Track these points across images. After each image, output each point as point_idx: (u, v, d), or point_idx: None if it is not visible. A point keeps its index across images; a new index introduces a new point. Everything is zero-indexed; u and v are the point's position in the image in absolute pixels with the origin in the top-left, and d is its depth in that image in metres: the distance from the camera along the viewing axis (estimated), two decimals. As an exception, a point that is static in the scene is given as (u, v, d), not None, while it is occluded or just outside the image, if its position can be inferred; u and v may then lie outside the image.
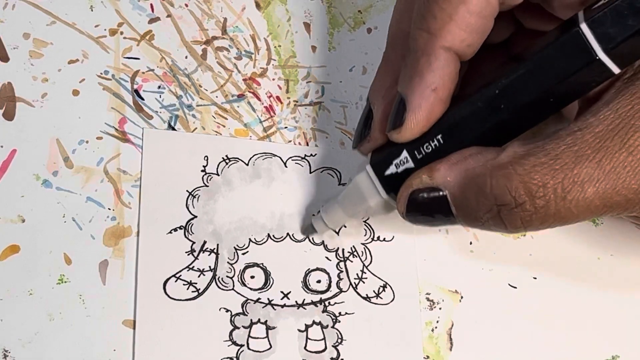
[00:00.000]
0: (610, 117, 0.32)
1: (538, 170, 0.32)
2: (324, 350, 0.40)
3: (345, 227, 0.42)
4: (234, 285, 0.40)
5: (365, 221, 0.43)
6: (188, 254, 0.40)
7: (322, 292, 0.41)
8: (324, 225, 0.41)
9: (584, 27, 0.31)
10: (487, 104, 0.34)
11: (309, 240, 0.42)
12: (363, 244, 0.42)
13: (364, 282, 0.41)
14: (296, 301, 0.40)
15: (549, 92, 0.32)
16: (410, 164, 0.36)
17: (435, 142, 0.35)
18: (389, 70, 0.38)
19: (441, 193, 0.34)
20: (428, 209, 0.35)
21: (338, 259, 0.42)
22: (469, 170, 0.33)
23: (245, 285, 0.40)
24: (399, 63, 0.37)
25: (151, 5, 0.44)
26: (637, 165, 0.31)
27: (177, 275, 0.39)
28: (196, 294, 0.39)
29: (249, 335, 0.39)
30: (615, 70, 0.31)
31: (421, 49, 0.34)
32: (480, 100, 0.34)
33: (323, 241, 0.42)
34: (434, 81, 0.34)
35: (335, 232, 0.42)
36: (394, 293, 0.42)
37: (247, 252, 0.41)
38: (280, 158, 0.43)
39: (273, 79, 0.45)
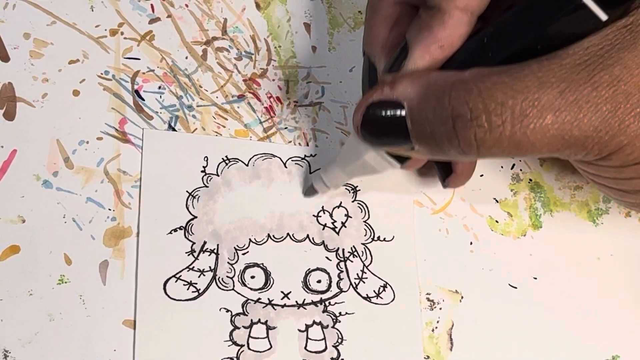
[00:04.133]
0: (580, 53, 0.31)
1: (499, 88, 0.31)
2: (324, 350, 0.40)
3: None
4: (234, 286, 0.40)
5: (365, 221, 0.43)
6: (188, 254, 0.40)
7: (323, 292, 0.41)
8: (324, 185, 0.41)
9: None
10: (476, 51, 0.33)
11: (310, 240, 0.42)
12: (363, 243, 0.42)
13: (364, 282, 0.42)
14: (296, 301, 0.40)
15: (536, 38, 0.32)
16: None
17: None
18: (380, 19, 0.37)
19: (399, 112, 0.33)
20: (384, 124, 0.34)
21: (338, 258, 0.42)
22: (430, 83, 0.33)
23: (245, 285, 0.40)
24: (388, 10, 0.37)
25: (151, 6, 0.44)
26: (600, 102, 0.31)
27: (177, 276, 0.39)
28: (196, 294, 0.39)
29: (249, 335, 0.39)
30: (602, 15, 0.30)
31: (437, 6, 0.33)
32: (470, 48, 0.34)
33: (323, 241, 0.42)
34: (442, 39, 0.33)
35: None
36: (394, 293, 0.42)
37: (247, 252, 0.41)
38: (280, 158, 0.43)
39: (273, 80, 0.45)
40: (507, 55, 0.32)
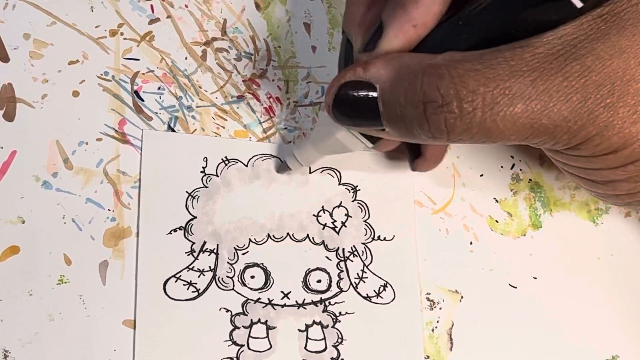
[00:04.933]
0: (553, 42, 0.31)
1: (471, 75, 0.31)
2: (324, 350, 0.40)
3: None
4: (234, 285, 0.40)
5: (365, 221, 0.43)
6: (188, 255, 0.40)
7: (323, 292, 0.41)
8: (297, 162, 0.41)
9: None
10: (450, 34, 0.33)
11: (310, 240, 0.42)
12: (363, 243, 0.42)
13: (364, 282, 0.41)
14: (296, 301, 0.40)
15: (511, 24, 0.31)
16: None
17: None
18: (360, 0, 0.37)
19: (371, 93, 0.33)
20: (356, 105, 0.34)
21: (338, 258, 0.42)
22: (403, 66, 0.33)
23: (245, 285, 0.40)
24: None
25: (151, 6, 0.44)
26: (570, 92, 0.31)
27: (177, 276, 0.39)
28: (196, 294, 0.39)
29: (249, 335, 0.39)
30: (577, 3, 0.30)
31: None
32: (445, 31, 0.33)
33: (323, 241, 0.42)
34: (416, 17, 0.33)
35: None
36: (394, 292, 0.42)
37: (247, 252, 0.41)
38: (280, 159, 0.43)
39: (273, 80, 0.45)
40: (481, 39, 0.32)
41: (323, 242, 0.42)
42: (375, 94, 0.33)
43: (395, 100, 0.33)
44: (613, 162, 0.33)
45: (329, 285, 0.41)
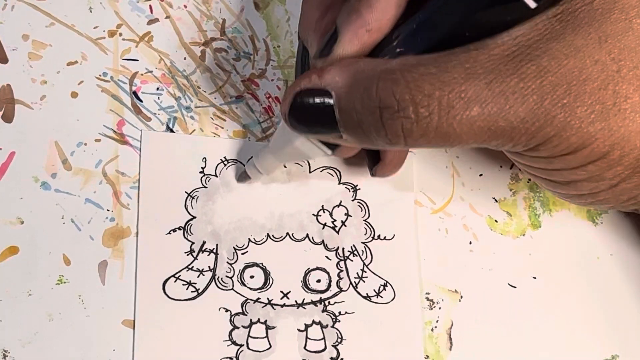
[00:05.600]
0: (509, 43, 0.31)
1: (426, 79, 0.30)
2: (323, 350, 0.40)
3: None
4: (233, 285, 0.40)
5: (365, 220, 0.43)
6: (187, 254, 0.40)
7: (322, 292, 0.41)
8: (256, 171, 0.40)
9: None
10: (405, 38, 0.33)
11: (309, 239, 0.41)
12: (363, 242, 0.42)
13: (364, 281, 0.41)
14: (296, 301, 0.40)
15: (464, 26, 0.31)
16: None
17: None
18: (313, 3, 0.37)
19: (327, 100, 0.33)
20: (312, 112, 0.34)
21: (338, 258, 0.42)
22: (358, 72, 0.32)
23: (244, 285, 0.40)
24: None
25: (150, 7, 0.44)
26: (527, 93, 0.30)
27: (177, 276, 0.39)
28: (196, 294, 0.39)
29: (248, 335, 0.39)
30: (531, 3, 0.30)
31: None
32: (400, 34, 0.33)
33: (323, 240, 0.42)
34: (370, 22, 0.33)
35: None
36: (394, 292, 0.41)
37: (247, 252, 0.41)
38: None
39: (272, 80, 0.45)
40: (436, 42, 0.32)
41: (323, 241, 0.42)
42: (331, 101, 0.33)
43: (352, 107, 0.32)
44: (573, 162, 0.32)
45: (329, 285, 0.41)
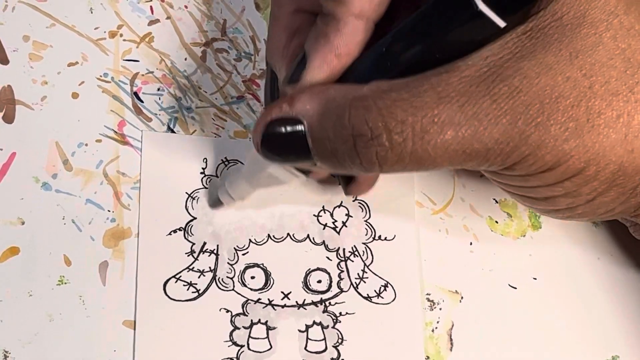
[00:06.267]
0: (479, 64, 0.30)
1: (398, 105, 0.30)
2: (324, 351, 0.40)
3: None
4: (234, 286, 0.40)
5: (366, 220, 0.43)
6: (188, 255, 0.40)
7: (323, 292, 0.41)
8: (229, 197, 0.40)
9: None
10: (375, 61, 0.32)
11: (310, 240, 0.41)
12: (364, 243, 0.42)
13: (364, 282, 0.41)
14: (296, 301, 0.40)
15: (434, 47, 0.31)
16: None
17: None
18: (280, 28, 0.36)
19: (299, 127, 0.32)
20: (284, 142, 0.33)
21: (339, 258, 0.42)
22: (329, 100, 0.32)
23: (245, 285, 0.40)
24: (287, 19, 0.36)
25: (151, 8, 0.45)
26: (500, 114, 0.30)
27: (177, 276, 0.39)
28: (196, 294, 0.39)
29: (249, 336, 0.39)
30: (499, 22, 0.29)
31: (332, 13, 0.32)
32: (369, 58, 0.33)
33: (324, 241, 0.42)
34: (339, 46, 0.32)
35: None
36: (395, 292, 0.41)
37: (247, 252, 0.41)
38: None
39: (272, 81, 0.45)
40: (407, 66, 0.31)
41: (323, 242, 0.42)
42: (303, 129, 0.32)
43: (324, 135, 0.32)
44: (549, 179, 0.32)
45: (330, 286, 0.41)
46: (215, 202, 0.41)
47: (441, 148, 0.30)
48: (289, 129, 0.33)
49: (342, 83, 0.33)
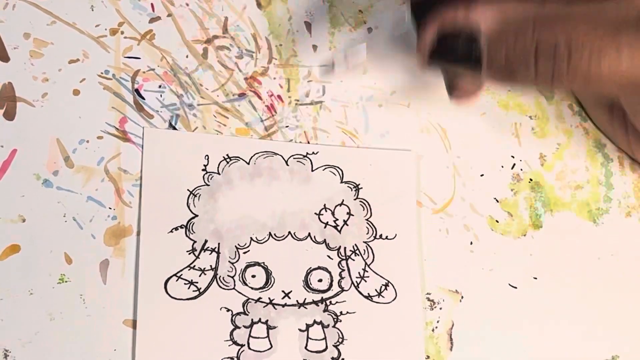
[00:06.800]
0: None
1: (581, 28, 0.32)
2: (324, 350, 0.40)
3: None
4: (235, 285, 0.40)
5: (367, 219, 0.43)
6: (189, 253, 0.40)
7: (324, 291, 0.41)
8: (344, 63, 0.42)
9: None
10: None
11: (311, 238, 0.41)
12: (365, 242, 0.42)
13: (365, 281, 0.41)
14: (297, 300, 0.40)
15: None
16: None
17: None
18: None
19: (474, 36, 0.34)
20: (456, 47, 0.35)
21: (340, 257, 0.42)
22: (509, 14, 0.34)
23: (246, 284, 0.40)
24: None
25: (152, 5, 0.44)
26: None
27: (178, 275, 0.39)
28: (197, 293, 0.39)
29: (249, 335, 0.39)
30: None
31: None
32: None
33: (325, 239, 0.42)
34: None
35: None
36: (395, 292, 0.42)
37: (248, 251, 0.41)
38: (282, 156, 0.43)
39: (274, 78, 0.45)
40: None
41: (324, 240, 0.42)
42: (478, 38, 0.34)
43: (501, 46, 0.33)
44: None
45: (330, 285, 0.41)
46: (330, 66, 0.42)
47: (615, 73, 0.32)
48: (463, 36, 0.34)
49: (518, 2, 0.35)
